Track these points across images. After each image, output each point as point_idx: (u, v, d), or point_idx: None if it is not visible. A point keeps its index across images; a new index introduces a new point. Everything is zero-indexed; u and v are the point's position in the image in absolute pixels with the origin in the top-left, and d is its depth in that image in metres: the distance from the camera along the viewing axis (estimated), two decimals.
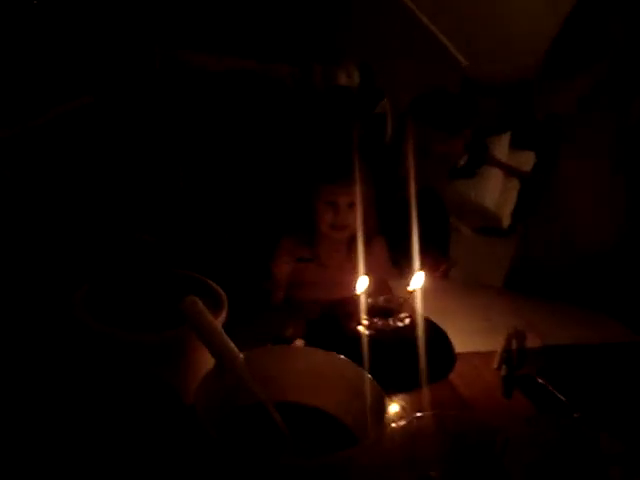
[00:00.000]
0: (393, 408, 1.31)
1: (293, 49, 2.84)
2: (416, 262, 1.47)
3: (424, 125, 2.02)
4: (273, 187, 2.02)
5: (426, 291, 1.76)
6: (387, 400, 1.10)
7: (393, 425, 1.22)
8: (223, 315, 1.28)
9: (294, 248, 1.87)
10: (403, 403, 1.34)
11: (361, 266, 1.48)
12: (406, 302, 1.50)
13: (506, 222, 3.45)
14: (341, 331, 1.47)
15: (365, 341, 1.41)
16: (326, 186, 1.83)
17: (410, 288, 1.46)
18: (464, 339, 1.59)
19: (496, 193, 3.51)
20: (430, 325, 1.57)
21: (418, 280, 1.44)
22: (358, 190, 1.80)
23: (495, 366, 1.49)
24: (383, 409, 1.09)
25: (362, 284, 1.42)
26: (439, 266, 1.91)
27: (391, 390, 1.37)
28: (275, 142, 2.08)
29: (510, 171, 3.58)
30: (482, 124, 3.14)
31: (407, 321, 1.47)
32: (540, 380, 1.44)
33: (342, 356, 1.19)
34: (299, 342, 1.50)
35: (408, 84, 2.74)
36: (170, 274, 1.36)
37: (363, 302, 1.42)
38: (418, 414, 1.15)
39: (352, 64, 3.11)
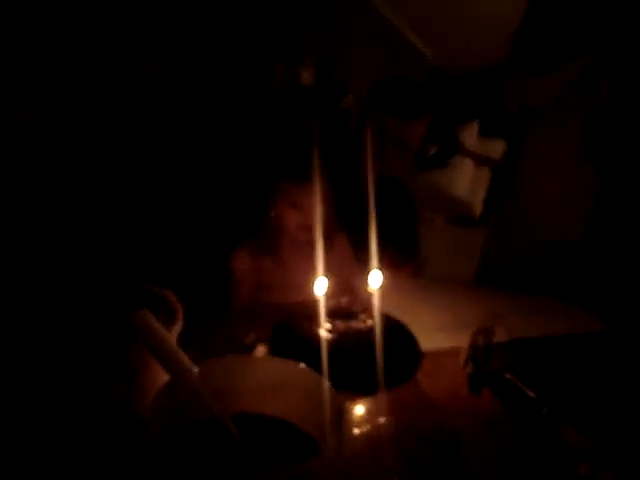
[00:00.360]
0: (358, 412, 1.27)
1: (255, 48, 2.79)
2: (374, 259, 1.43)
3: (382, 111, 1.99)
4: (232, 188, 1.97)
5: (390, 289, 1.74)
6: (349, 406, 1.07)
7: (356, 431, 1.19)
8: (178, 327, 1.24)
9: (256, 252, 1.83)
10: (368, 407, 1.32)
11: (320, 266, 1.44)
12: (370, 302, 1.47)
13: (478, 211, 3.43)
14: (302, 336, 1.44)
15: (325, 345, 1.38)
16: (289, 186, 1.79)
17: (369, 288, 1.42)
18: (430, 336, 1.56)
19: (467, 182, 3.48)
20: (394, 324, 1.55)
21: (376, 279, 1.41)
22: (319, 188, 1.77)
23: (461, 363, 1.47)
24: (342, 418, 1.06)
25: (320, 286, 1.39)
26: (404, 263, 1.89)
27: (355, 394, 1.35)
28: (234, 141, 2.03)
29: (480, 160, 3.55)
30: (449, 114, 3.11)
31: (369, 323, 1.44)
32: (508, 376, 1.42)
33: (301, 364, 1.15)
34: (262, 349, 1.47)
35: (373, 78, 2.70)
36: (123, 286, 1.32)
37: (322, 305, 1.38)
38: (381, 419, 1.11)
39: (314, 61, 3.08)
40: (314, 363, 1.35)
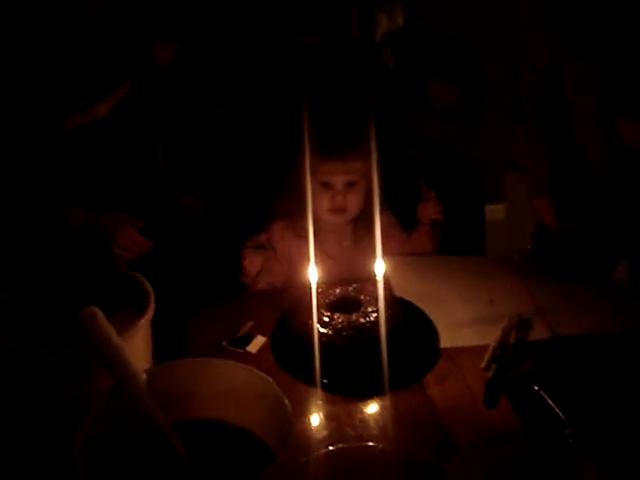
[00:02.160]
0: (327, 428, 1.12)
1: None
2: (378, 243, 1.25)
3: (436, 75, 1.73)
4: (260, 164, 1.79)
5: (414, 267, 1.55)
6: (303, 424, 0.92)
7: (331, 448, 1.03)
8: (150, 313, 1.14)
9: (286, 237, 1.64)
10: (359, 415, 1.16)
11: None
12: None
13: None
14: (300, 329, 1.28)
15: (319, 341, 1.22)
16: (319, 163, 1.53)
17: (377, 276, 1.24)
18: (456, 330, 1.37)
19: None
20: (410, 314, 1.36)
21: (379, 267, 1.23)
22: (361, 167, 1.54)
23: (483, 365, 1.26)
24: (289, 436, 0.92)
25: (313, 272, 1.23)
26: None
27: (348, 397, 1.19)
28: (265, 105, 1.84)
29: None
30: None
31: (374, 317, 1.26)
32: (535, 386, 1.20)
33: (262, 374, 1.02)
34: (259, 340, 1.34)
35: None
36: (91, 270, 1.23)
37: (314, 295, 1.22)
38: (331, 447, 0.95)
39: (396, 5, 2.80)
40: (309, 360, 1.22)
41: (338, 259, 1.63)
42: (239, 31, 1.76)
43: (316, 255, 1.34)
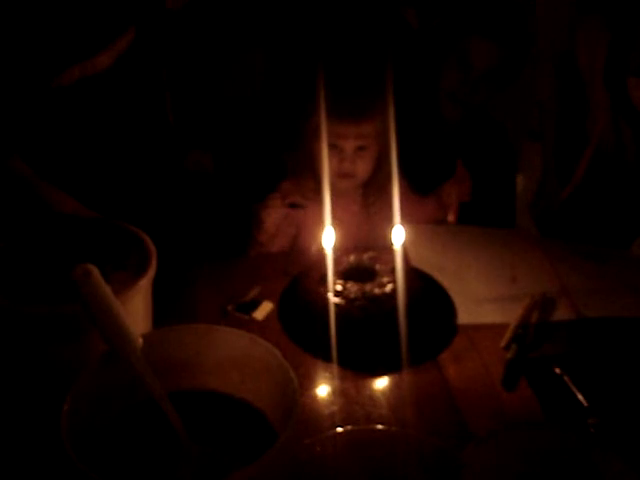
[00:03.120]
0: (335, 404, 1.05)
1: None
2: (396, 209, 1.17)
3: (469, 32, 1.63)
4: (272, 119, 1.69)
5: (433, 237, 1.47)
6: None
7: (339, 430, 0.96)
8: (149, 275, 1.06)
9: (293, 194, 1.55)
10: (368, 392, 1.09)
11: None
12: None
13: None
14: (310, 297, 1.21)
15: (332, 311, 1.15)
16: (330, 125, 1.42)
17: (395, 246, 1.17)
18: (477, 306, 1.29)
19: None
20: (426, 287, 1.28)
21: (399, 235, 1.15)
22: (373, 131, 1.45)
23: (502, 344, 1.19)
24: (294, 411, 0.85)
25: (329, 236, 1.15)
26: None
27: (358, 372, 1.12)
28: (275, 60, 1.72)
29: None
30: None
31: (389, 288, 1.18)
32: (557, 370, 1.13)
33: (267, 344, 0.94)
34: (266, 305, 1.27)
35: None
36: (90, 224, 1.16)
37: (330, 262, 1.15)
38: (338, 429, 0.88)
39: None
40: (319, 331, 1.16)
41: (346, 223, 1.55)
42: None
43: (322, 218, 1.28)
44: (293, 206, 1.49)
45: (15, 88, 1.26)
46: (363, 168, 1.48)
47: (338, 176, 1.47)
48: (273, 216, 1.49)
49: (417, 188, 1.61)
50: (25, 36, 1.23)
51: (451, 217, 1.56)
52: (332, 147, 1.45)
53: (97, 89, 1.35)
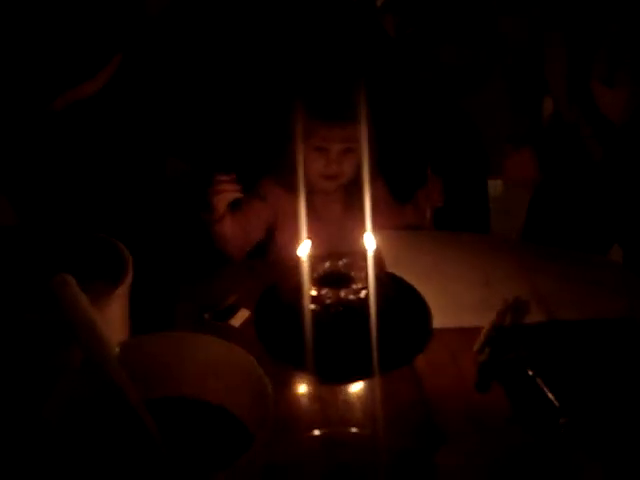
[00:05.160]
0: (310, 409, 1.07)
1: None
2: (367, 216, 1.19)
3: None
4: (253, 124, 1.70)
5: (408, 242, 1.49)
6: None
7: (316, 432, 0.98)
8: (126, 284, 1.07)
9: (275, 192, 1.58)
10: (342, 396, 1.10)
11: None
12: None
13: None
14: (285, 303, 1.23)
15: (307, 317, 1.16)
16: (315, 127, 1.47)
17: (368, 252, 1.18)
18: (450, 311, 1.31)
19: None
20: (400, 292, 1.30)
21: (370, 241, 1.16)
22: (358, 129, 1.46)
23: (476, 348, 1.21)
24: (269, 416, 0.86)
25: (304, 247, 1.16)
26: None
27: (332, 380, 1.14)
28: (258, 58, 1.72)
29: None
30: None
31: (363, 293, 1.20)
32: (530, 371, 1.15)
33: (243, 351, 0.96)
34: (243, 313, 1.28)
35: None
36: (66, 234, 1.16)
37: (305, 269, 1.16)
38: (313, 432, 0.90)
39: None
40: (294, 337, 1.17)
41: (327, 221, 1.58)
42: None
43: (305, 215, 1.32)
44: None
45: (8, 113, 1.28)
46: (348, 169, 1.51)
47: (324, 178, 1.51)
48: (218, 193, 1.45)
49: (396, 195, 1.63)
50: (18, 64, 1.25)
51: (425, 222, 1.58)
52: (318, 149, 1.48)
53: (86, 111, 1.37)
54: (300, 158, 1.45)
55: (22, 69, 1.26)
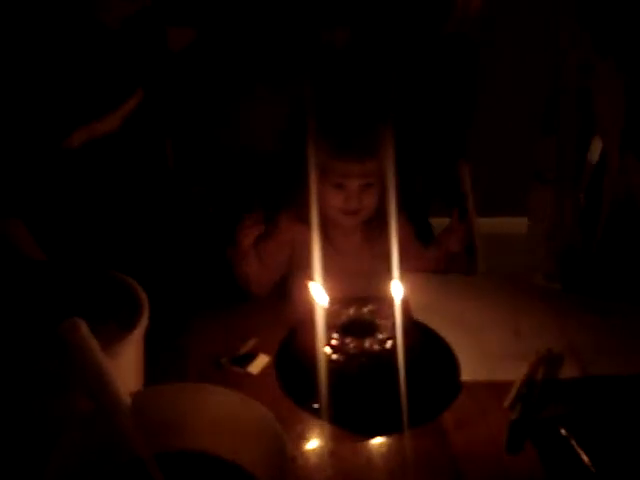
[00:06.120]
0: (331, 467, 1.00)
1: None
2: (395, 261, 1.13)
3: None
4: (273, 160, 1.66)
5: (436, 286, 1.43)
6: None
7: None
8: (141, 328, 1.02)
9: (292, 227, 1.54)
10: (363, 454, 1.04)
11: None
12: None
13: None
14: (307, 352, 1.17)
15: (325, 368, 1.11)
16: (332, 164, 1.45)
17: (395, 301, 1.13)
18: (478, 362, 1.24)
19: None
20: (427, 344, 1.24)
21: (398, 289, 1.11)
22: (378, 168, 1.46)
23: (506, 404, 1.14)
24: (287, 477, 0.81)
25: (319, 292, 1.11)
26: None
27: (355, 435, 1.07)
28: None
29: None
30: None
31: (389, 344, 1.14)
32: (563, 431, 1.08)
33: (260, 406, 0.90)
34: (262, 359, 1.22)
35: None
36: (80, 273, 1.12)
37: (321, 317, 1.11)
38: None
39: None
40: (313, 388, 1.11)
41: (345, 254, 1.55)
42: (256, 24, 1.65)
43: (323, 248, 1.33)
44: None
45: (25, 150, 1.26)
46: (369, 204, 1.49)
47: (344, 213, 1.48)
48: (245, 230, 1.45)
49: (421, 235, 1.58)
50: (35, 99, 1.23)
51: (440, 266, 1.54)
52: (337, 186, 1.45)
53: (105, 148, 1.35)
54: (314, 196, 1.42)
55: (40, 100, 1.23)
